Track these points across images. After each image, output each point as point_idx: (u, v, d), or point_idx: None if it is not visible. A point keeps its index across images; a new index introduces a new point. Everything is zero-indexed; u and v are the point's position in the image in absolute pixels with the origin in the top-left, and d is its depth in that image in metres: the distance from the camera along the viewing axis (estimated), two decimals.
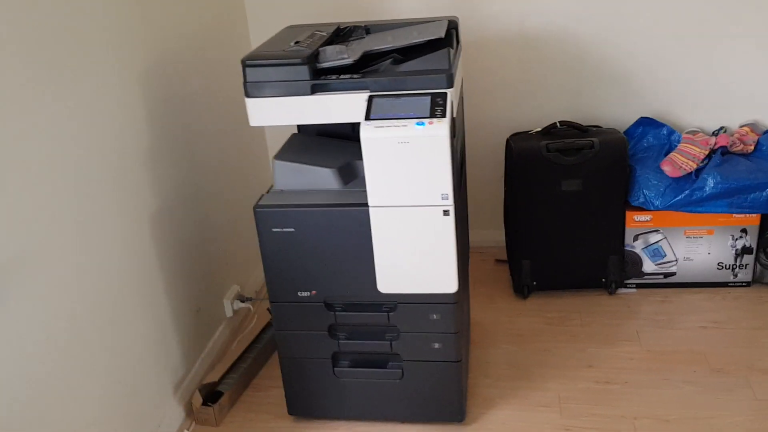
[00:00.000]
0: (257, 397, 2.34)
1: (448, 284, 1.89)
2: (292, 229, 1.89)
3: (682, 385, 2.22)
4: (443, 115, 1.69)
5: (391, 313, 1.97)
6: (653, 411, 2.11)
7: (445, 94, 1.73)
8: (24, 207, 1.56)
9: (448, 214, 1.79)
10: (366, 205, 1.82)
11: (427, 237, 1.82)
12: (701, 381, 2.23)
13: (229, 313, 2.66)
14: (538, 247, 2.71)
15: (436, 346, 1.98)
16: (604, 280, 2.73)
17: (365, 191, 1.83)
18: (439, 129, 1.67)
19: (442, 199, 1.77)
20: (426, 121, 1.68)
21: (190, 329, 2.34)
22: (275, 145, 3.04)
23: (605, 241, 2.68)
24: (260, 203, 1.92)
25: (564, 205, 2.62)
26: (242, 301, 2.73)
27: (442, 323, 1.95)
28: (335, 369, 2.08)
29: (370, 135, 1.71)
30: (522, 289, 2.76)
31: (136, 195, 2.03)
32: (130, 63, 2.00)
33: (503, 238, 2.98)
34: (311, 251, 1.91)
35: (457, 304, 1.93)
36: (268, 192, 2.00)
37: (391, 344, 2.02)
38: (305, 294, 1.98)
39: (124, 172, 1.97)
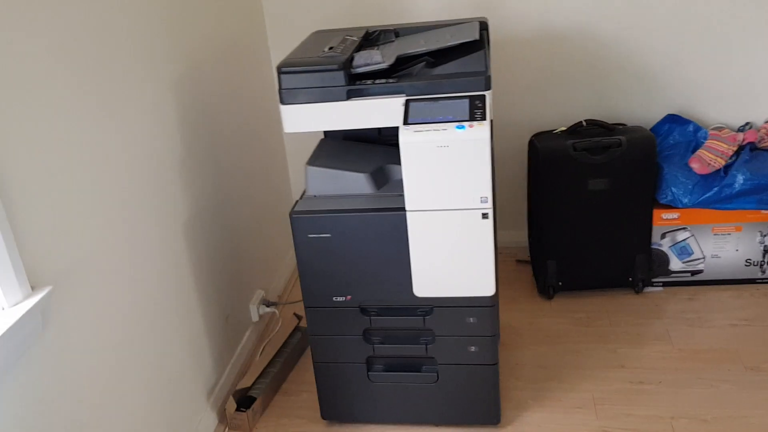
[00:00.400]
0: (289, 401, 2.34)
1: (486, 287, 1.89)
2: (329, 235, 1.89)
3: (718, 383, 2.22)
4: (483, 118, 1.69)
5: (426, 317, 1.98)
6: (690, 411, 2.11)
7: (484, 96, 1.73)
8: (73, 219, 1.56)
9: (486, 217, 1.79)
10: (403, 209, 1.82)
11: (464, 240, 1.83)
12: (736, 379, 2.23)
13: (255, 318, 2.66)
14: (563, 247, 2.71)
15: (472, 349, 1.99)
16: (630, 279, 2.73)
17: (399, 195, 1.84)
18: (480, 132, 1.67)
19: (481, 202, 1.77)
20: (466, 124, 1.68)
21: (221, 335, 2.35)
22: (294, 150, 3.05)
23: (632, 239, 2.68)
24: (296, 209, 1.92)
25: (590, 204, 2.62)
26: (267, 306, 2.73)
27: (478, 326, 1.95)
28: (369, 373, 2.08)
29: (409, 139, 1.71)
30: (547, 289, 2.76)
31: (171, 203, 2.03)
32: (161, 74, 2.00)
33: (523, 238, 2.98)
34: (347, 256, 1.92)
35: (493, 307, 1.93)
36: (301, 198, 2.00)
37: (426, 348, 2.02)
38: (340, 299, 1.98)
39: (160, 181, 1.97)
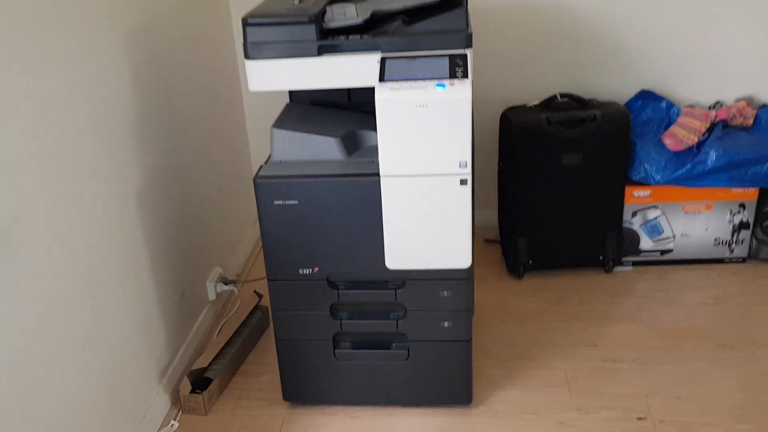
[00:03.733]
0: (248, 383, 2.25)
1: (462, 259, 1.83)
2: (296, 202, 1.81)
3: (690, 361, 2.22)
4: (465, 76, 1.62)
5: (398, 291, 1.91)
6: (664, 388, 2.10)
7: (465, 55, 1.67)
8: (4, 175, 1.43)
9: (465, 184, 1.73)
10: (377, 174, 1.75)
11: (441, 208, 1.76)
12: (708, 357, 2.23)
13: (212, 296, 2.55)
14: (534, 225, 2.68)
15: (446, 324, 1.93)
16: (601, 258, 2.72)
17: (371, 161, 1.77)
18: (462, 91, 1.61)
19: (460, 167, 1.71)
20: (446, 82, 1.62)
21: (175, 313, 2.23)
22: (256, 116, 2.95)
23: (604, 217, 2.67)
24: (261, 174, 1.82)
25: (564, 180, 2.59)
26: (225, 284, 2.63)
27: (452, 300, 1.90)
28: (336, 351, 2.01)
29: (385, 97, 1.63)
30: (517, 268, 2.72)
31: (121, 166, 1.91)
32: (114, 25, 1.88)
33: (493, 216, 2.94)
34: (315, 225, 1.83)
35: (469, 280, 1.88)
36: (266, 163, 1.91)
37: (397, 323, 1.96)
38: (307, 271, 1.90)
39: (109, 142, 1.85)
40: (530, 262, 2.72)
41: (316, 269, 1.90)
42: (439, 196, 1.75)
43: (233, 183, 2.77)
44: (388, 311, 1.96)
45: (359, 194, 1.79)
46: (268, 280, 1.94)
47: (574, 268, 2.76)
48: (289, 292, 1.94)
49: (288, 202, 1.81)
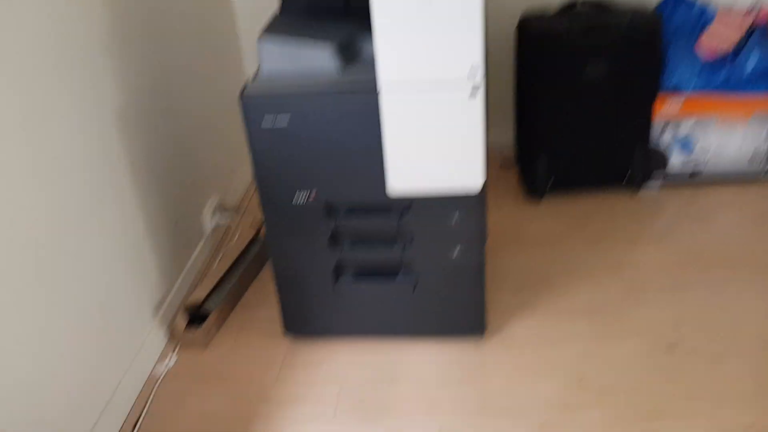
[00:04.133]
0: (247, 316, 2.13)
1: (473, 179, 1.66)
2: (286, 121, 1.63)
3: (723, 287, 2.06)
4: None
5: (403, 216, 1.75)
6: (695, 316, 1.95)
7: None
8: None
9: (476, 94, 1.53)
10: (375, 89, 1.56)
11: (449, 122, 1.58)
12: (743, 283, 2.07)
13: (208, 228, 2.42)
14: (555, 142, 2.48)
15: (456, 251, 1.77)
16: (627, 177, 2.53)
17: (371, 74, 1.57)
18: None
19: (470, 74, 1.51)
20: None
21: (168, 245, 2.10)
22: (248, 30, 2.73)
23: (631, 132, 2.46)
24: (247, 91, 1.64)
25: (587, 92, 2.38)
26: (223, 213, 2.48)
27: (463, 225, 1.73)
28: (337, 282, 1.87)
29: None
30: (537, 190, 2.54)
31: (97, 83, 1.74)
32: None
33: (507, 138, 2.75)
34: (309, 147, 1.66)
35: (481, 201, 1.71)
36: (254, 79, 1.72)
37: (402, 252, 1.80)
38: (303, 198, 1.74)
39: (82, 55, 1.67)
40: (550, 182, 2.54)
41: (313, 195, 1.73)
42: (447, 108, 1.56)
43: (228, 103, 2.57)
44: (393, 239, 1.81)
45: (357, 111, 1.61)
46: (261, 207, 1.78)
47: (597, 188, 2.58)
48: (284, 221, 1.79)
49: (278, 121, 1.64)
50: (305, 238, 1.80)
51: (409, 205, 1.73)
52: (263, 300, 2.17)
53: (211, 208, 2.41)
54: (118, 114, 1.82)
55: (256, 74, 1.74)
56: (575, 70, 2.34)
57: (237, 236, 2.48)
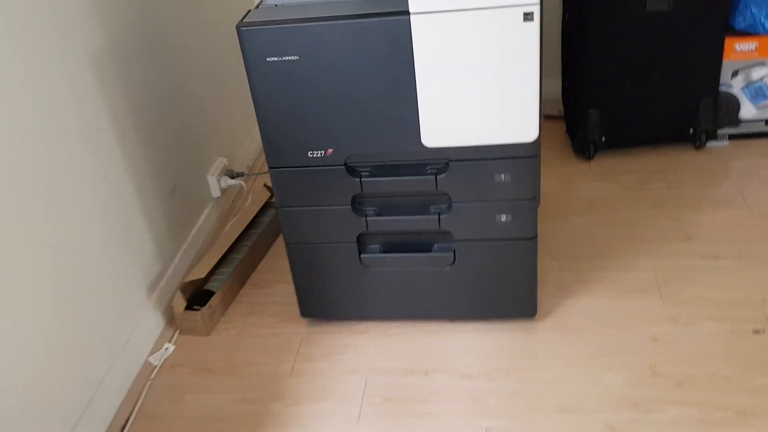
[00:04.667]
0: (259, 296, 1.85)
1: (526, 129, 1.34)
2: (296, 57, 1.32)
3: None
4: None
5: (439, 176, 1.44)
6: None
7: None
8: None
9: (531, 19, 1.22)
10: (405, 12, 1.25)
11: (496, 57, 1.26)
12: None
13: (215, 192, 2.13)
14: (609, 91, 2.15)
15: (503, 218, 1.47)
16: (692, 130, 2.19)
17: None
18: None
19: None
20: None
21: (165, 213, 1.82)
22: None
23: (697, 79, 2.12)
24: (246, 20, 1.33)
25: (647, 32, 2.04)
26: (232, 177, 2.19)
27: (512, 186, 1.42)
28: (362, 256, 1.57)
29: None
30: (587, 146, 2.22)
31: (67, 23, 1.43)
32: None
33: (552, 87, 2.42)
34: (324, 90, 1.36)
35: (534, 157, 1.40)
36: (257, 7, 1.41)
37: (438, 219, 1.50)
38: (318, 154, 1.44)
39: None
40: (603, 138, 2.21)
41: (330, 151, 1.44)
42: (494, 39, 1.25)
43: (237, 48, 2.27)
44: (427, 204, 1.51)
45: (382, 42, 1.30)
46: (269, 167, 1.49)
47: (657, 144, 2.25)
48: (296, 184, 1.49)
49: (286, 59, 1.33)
50: (322, 202, 1.51)
51: (446, 161, 1.43)
52: (276, 276, 1.89)
53: (217, 169, 2.13)
54: (95, 57, 1.53)
55: (260, 2, 1.44)
56: (633, 5, 2.00)
57: (248, 202, 2.19)
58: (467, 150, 1.39)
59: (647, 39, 2.05)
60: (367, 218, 1.53)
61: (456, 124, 1.35)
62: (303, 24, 1.30)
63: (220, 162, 2.17)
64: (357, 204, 1.52)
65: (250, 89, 1.39)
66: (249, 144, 2.43)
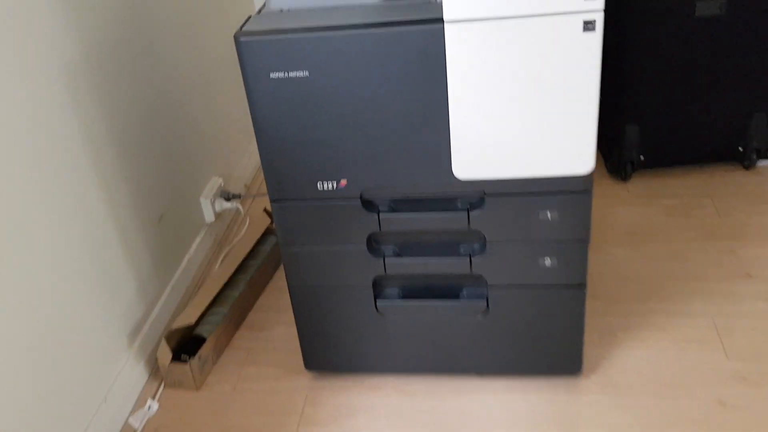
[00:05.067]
0: (257, 340, 1.64)
1: (580, 159, 1.13)
2: (305, 73, 1.11)
3: None
4: None
5: (473, 212, 1.23)
6: None
7: None
8: None
9: (592, 28, 1.01)
10: (439, 20, 1.03)
11: (548, 75, 1.05)
12: None
13: (209, 217, 1.92)
14: (650, 105, 1.94)
15: (547, 262, 1.26)
16: (741, 148, 1.98)
17: (426, 2, 1.06)
18: None
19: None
20: None
21: (149, 247, 1.60)
22: None
23: (749, 91, 1.92)
24: (246, 29, 1.12)
25: (695, 39, 1.83)
26: (227, 200, 1.98)
27: (561, 225, 1.21)
28: (378, 302, 1.36)
29: None
30: (623, 166, 2.01)
31: (36, 31, 1.22)
32: None
33: None
34: (338, 112, 1.14)
35: (587, 193, 1.18)
36: (259, 13, 1.21)
37: (470, 261, 1.29)
38: (329, 186, 1.23)
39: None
40: (641, 157, 2.00)
41: (343, 182, 1.22)
42: (546, 53, 1.04)
43: (234, 56, 2.06)
44: (457, 243, 1.30)
45: (408, 56, 1.09)
46: (270, 200, 1.28)
47: (702, 163, 2.04)
48: (304, 219, 1.28)
49: (293, 75, 1.12)
50: (333, 241, 1.30)
51: (481, 195, 1.21)
52: (278, 316, 1.68)
53: (211, 191, 1.91)
54: (70, 68, 1.31)
55: (262, 7, 1.23)
56: (680, 9, 1.79)
57: (245, 228, 1.98)
58: (507, 183, 1.18)
59: (695, 47, 1.85)
60: (386, 259, 1.31)
61: (495, 152, 1.14)
62: (314, 34, 1.09)
63: (215, 182, 1.96)
64: (374, 243, 1.31)
65: (250, 109, 1.18)
66: (247, 160, 2.21)
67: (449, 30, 1.04)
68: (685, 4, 1.79)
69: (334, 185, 1.23)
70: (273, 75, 1.13)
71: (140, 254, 1.56)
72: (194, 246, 1.83)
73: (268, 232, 1.90)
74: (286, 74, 1.12)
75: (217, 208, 1.95)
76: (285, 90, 1.13)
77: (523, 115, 1.10)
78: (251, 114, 1.18)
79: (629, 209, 1.92)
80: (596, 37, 1.02)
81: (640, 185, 2.01)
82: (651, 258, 1.73)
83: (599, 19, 1.00)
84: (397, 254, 1.32)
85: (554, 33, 1.02)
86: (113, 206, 1.46)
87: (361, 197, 1.24)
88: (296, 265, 1.34)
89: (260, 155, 1.22)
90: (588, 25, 1.01)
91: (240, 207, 2.01)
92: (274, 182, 1.25)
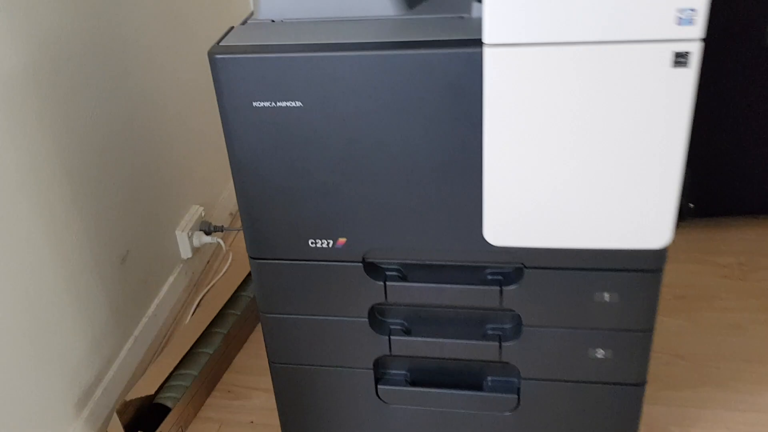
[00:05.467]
0: (231, 410, 1.38)
1: (654, 229, 0.88)
2: (298, 104, 0.86)
3: None
4: None
5: (507, 287, 0.97)
6: None
7: None
8: None
9: (684, 63, 0.75)
10: (476, 43, 0.78)
11: (620, 119, 0.80)
12: None
13: (186, 252, 1.67)
14: (703, 146, 1.69)
15: (599, 354, 1.00)
16: None
17: (458, 18, 0.83)
18: None
19: (681, 22, 0.72)
20: None
21: (110, 291, 1.35)
22: None
23: None
24: (224, 43, 0.88)
25: (759, 72, 1.58)
26: (208, 233, 1.72)
27: (620, 310, 0.96)
28: (380, 387, 1.11)
29: None
30: None
31: None
32: None
33: None
34: (338, 154, 0.89)
35: (658, 272, 0.93)
36: (244, 23, 0.96)
37: (500, 346, 1.03)
38: (324, 244, 0.98)
39: None
40: (691, 205, 1.75)
41: (342, 240, 0.97)
42: (619, 91, 0.79)
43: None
44: (483, 322, 1.04)
45: (435, 87, 0.83)
46: (249, 258, 1.02)
47: (762, 214, 1.78)
48: (290, 283, 1.03)
49: (282, 104, 0.87)
50: (326, 313, 1.04)
51: (519, 266, 0.96)
52: (257, 380, 1.44)
53: (189, 222, 1.66)
54: (10, 82, 1.06)
55: (248, 17, 0.98)
56: (746, 36, 1.55)
57: (227, 266, 1.74)
58: (555, 254, 0.93)
59: (759, 80, 1.60)
60: (391, 337, 1.06)
61: (541, 214, 0.89)
62: (313, 53, 0.84)
63: (194, 212, 1.71)
64: (377, 316, 1.05)
65: (227, 144, 0.93)
66: (231, 190, 1.95)
67: (490, 56, 0.79)
68: (753, 29, 1.54)
69: (330, 243, 0.98)
70: (257, 104, 0.87)
71: (95, 302, 1.31)
72: (165, 288, 1.58)
73: (249, 277, 1.64)
74: (274, 104, 0.87)
75: (196, 242, 1.70)
76: (272, 123, 0.88)
77: (584, 169, 0.84)
78: (228, 150, 0.93)
79: (677, 267, 1.66)
80: (690, 75, 0.77)
81: (690, 238, 1.75)
82: (705, 330, 1.48)
83: (696, 51, 0.75)
84: (406, 331, 1.06)
85: (633, 66, 0.77)
86: (61, 246, 1.20)
87: (363, 260, 0.99)
88: (278, 337, 1.08)
89: (238, 201, 0.97)
90: (680, 59, 0.76)
91: (222, 242, 1.76)
92: (254, 235, 1.00)
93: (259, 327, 1.58)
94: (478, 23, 0.81)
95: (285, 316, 1.06)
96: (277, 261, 1.01)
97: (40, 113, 1.14)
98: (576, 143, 0.83)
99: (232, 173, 0.95)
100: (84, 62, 1.26)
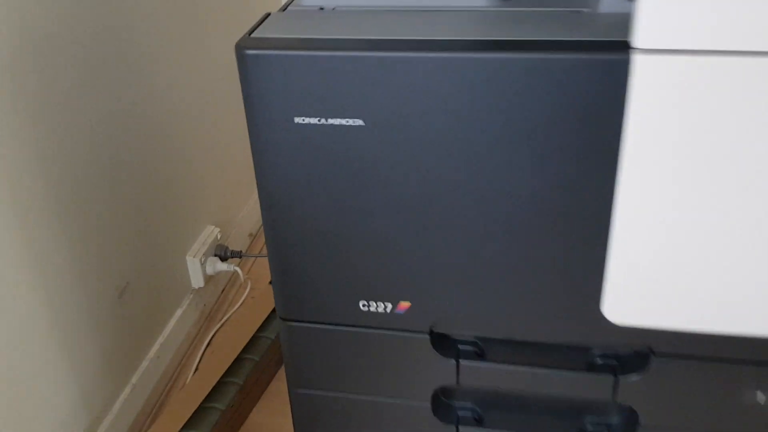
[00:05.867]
0: None
1: None
2: (357, 122, 0.63)
3: None
4: None
5: (624, 377, 0.73)
6: None
7: None
8: None
9: None
10: (622, 46, 0.54)
11: None
12: None
13: (197, 282, 1.44)
14: None
15: None
16: None
17: (572, 14, 0.58)
18: None
19: None
20: None
21: (103, 332, 1.12)
22: None
23: None
24: (257, 35, 0.65)
25: None
26: (224, 259, 1.49)
27: None
28: None
29: None
30: None
31: None
32: None
33: None
34: (409, 192, 0.65)
35: None
36: (284, 9, 0.73)
37: None
38: (379, 308, 0.75)
39: None
40: None
41: (403, 305, 0.74)
42: None
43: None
44: (581, 414, 0.80)
45: (552, 104, 0.60)
46: (280, 318, 0.79)
47: None
48: (330, 352, 0.79)
49: (335, 122, 0.63)
50: (376, 393, 0.81)
51: (645, 352, 0.71)
52: (282, 428, 1.20)
53: (203, 246, 1.44)
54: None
55: (289, 1, 0.75)
56: None
57: (245, 296, 1.51)
58: (693, 339, 0.68)
59: None
60: (460, 428, 0.82)
61: (687, 285, 0.64)
62: (383, 54, 0.60)
63: (209, 233, 1.48)
64: (444, 401, 0.81)
65: (255, 171, 0.70)
66: (253, 203, 1.73)
67: (643, 64, 0.55)
68: None
69: (389, 308, 0.74)
70: (300, 120, 0.64)
71: (85, 348, 1.08)
72: (171, 323, 1.35)
73: (274, 312, 1.42)
74: (324, 120, 0.64)
75: (209, 269, 1.47)
76: (319, 146, 0.65)
77: (756, 228, 0.60)
78: (257, 178, 0.70)
79: None
80: None
81: None
82: None
83: None
84: (478, 420, 0.82)
85: None
86: (43, 276, 0.98)
87: (431, 331, 0.75)
88: (311, 419, 0.85)
89: (267, 246, 0.74)
90: None
91: (239, 270, 1.53)
92: (286, 292, 0.76)
93: (279, 373, 1.35)
94: (607, 20, 0.58)
95: (322, 393, 0.83)
96: (315, 325, 0.78)
97: (22, 111, 0.92)
98: (751, 193, 0.59)
99: (262, 210, 0.72)
100: (86, 57, 1.03)
